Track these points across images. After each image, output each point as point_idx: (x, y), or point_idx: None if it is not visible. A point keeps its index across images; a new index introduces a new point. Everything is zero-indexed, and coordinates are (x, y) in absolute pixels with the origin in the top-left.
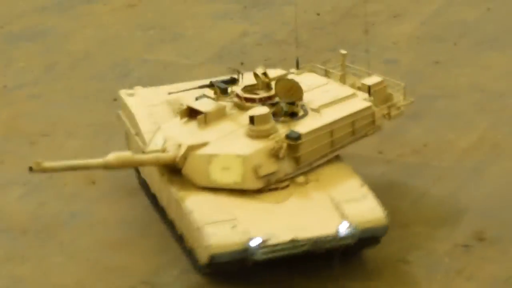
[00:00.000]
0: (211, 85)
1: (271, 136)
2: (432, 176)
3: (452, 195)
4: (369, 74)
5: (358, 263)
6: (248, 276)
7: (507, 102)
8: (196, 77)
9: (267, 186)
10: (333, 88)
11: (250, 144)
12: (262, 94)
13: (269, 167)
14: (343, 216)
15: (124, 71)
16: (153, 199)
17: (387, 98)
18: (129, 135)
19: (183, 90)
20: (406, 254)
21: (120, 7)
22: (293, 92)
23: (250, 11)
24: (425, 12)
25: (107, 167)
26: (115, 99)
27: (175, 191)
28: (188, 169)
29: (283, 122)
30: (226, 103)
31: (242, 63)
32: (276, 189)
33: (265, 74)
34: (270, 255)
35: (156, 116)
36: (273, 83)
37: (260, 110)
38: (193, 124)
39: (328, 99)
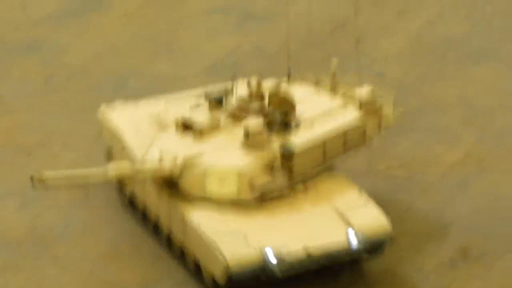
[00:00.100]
0: (205, 96)
1: (265, 148)
2: (418, 190)
3: (437, 209)
4: (359, 84)
5: (348, 277)
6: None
7: (494, 116)
8: (191, 88)
9: (262, 197)
10: (325, 99)
11: (245, 156)
12: (256, 105)
13: (263, 178)
14: (350, 226)
15: (120, 82)
16: (143, 215)
17: (378, 109)
18: (112, 151)
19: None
20: (394, 268)
21: (116, 20)
22: (286, 103)
23: (243, 24)
24: (413, 26)
25: (106, 177)
26: None
27: (180, 206)
28: (185, 181)
29: (276, 132)
30: (220, 114)
31: (234, 75)
32: (277, 198)
33: (258, 85)
34: (287, 271)
35: (142, 131)
36: (266, 94)
37: (254, 121)
38: (188, 136)
39: (320, 110)
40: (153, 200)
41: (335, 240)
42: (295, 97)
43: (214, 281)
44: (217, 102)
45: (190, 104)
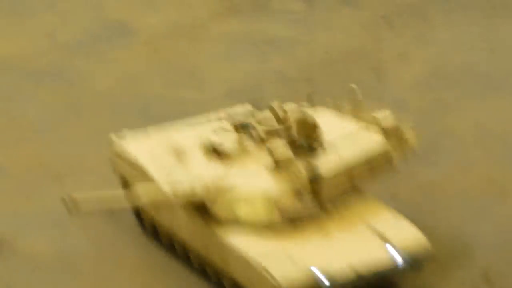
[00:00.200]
0: (229, 119)
1: (292, 172)
2: (439, 215)
3: (457, 234)
4: (380, 109)
5: None
6: None
7: None
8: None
9: (291, 221)
10: (348, 123)
11: (273, 180)
12: (281, 129)
13: (292, 202)
14: (389, 243)
15: (144, 107)
16: (170, 243)
17: (400, 133)
18: (128, 180)
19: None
20: None
21: (140, 47)
22: (311, 127)
23: (263, 51)
24: (432, 54)
25: (136, 202)
26: None
27: (217, 231)
28: (214, 205)
29: (302, 156)
30: (246, 138)
31: (255, 100)
32: (311, 220)
33: (283, 109)
34: None
35: (159, 158)
36: (291, 119)
37: (280, 145)
38: (215, 161)
39: (344, 134)
40: (183, 225)
41: (379, 257)
42: (319, 122)
43: None
44: (242, 127)
45: (205, 129)
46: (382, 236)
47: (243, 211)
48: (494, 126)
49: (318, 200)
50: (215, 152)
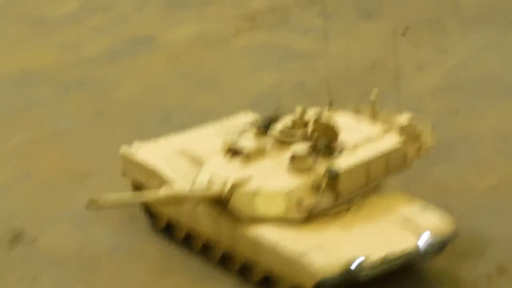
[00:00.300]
0: (253, 124)
1: (311, 171)
2: (454, 216)
3: (473, 232)
4: (399, 113)
5: None
6: None
7: None
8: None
9: (309, 217)
10: (366, 126)
11: (292, 178)
12: (300, 131)
13: (310, 200)
14: (420, 229)
15: (166, 117)
16: (185, 239)
17: (417, 135)
18: (143, 186)
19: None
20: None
21: (164, 59)
22: (330, 129)
23: (283, 63)
24: (448, 65)
25: (159, 201)
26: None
27: (247, 228)
28: (234, 204)
29: (321, 157)
30: (266, 140)
31: (279, 106)
32: (339, 212)
33: (302, 112)
34: (370, 274)
35: (175, 164)
36: (310, 121)
37: (300, 147)
38: (236, 161)
39: (362, 136)
40: (205, 222)
41: (409, 243)
42: (338, 124)
43: None
44: (263, 129)
45: (213, 134)
46: (412, 224)
47: (262, 207)
48: (509, 131)
49: (335, 197)
50: (236, 152)
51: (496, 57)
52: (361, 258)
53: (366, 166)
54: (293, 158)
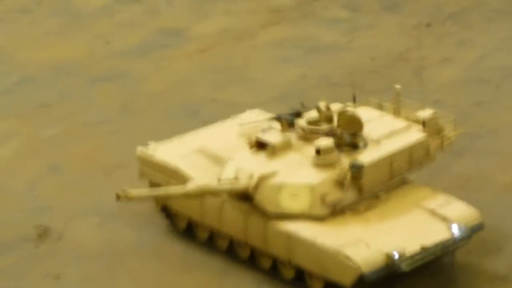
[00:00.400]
0: (278, 118)
1: (336, 166)
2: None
3: (493, 226)
4: (421, 108)
5: None
6: None
7: None
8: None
9: (333, 213)
10: (389, 121)
11: (317, 173)
12: (325, 126)
13: (334, 195)
14: (448, 220)
15: (194, 110)
16: (209, 237)
17: (439, 130)
18: (162, 184)
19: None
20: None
21: (192, 52)
22: (354, 124)
23: (309, 56)
24: (470, 57)
25: (187, 195)
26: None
27: (282, 226)
28: (260, 198)
29: (345, 152)
30: (292, 135)
31: (301, 103)
32: (365, 207)
33: (327, 107)
34: (410, 266)
35: (192, 161)
36: (335, 117)
37: (325, 141)
38: (262, 155)
39: (386, 131)
40: (233, 223)
41: (440, 233)
42: (363, 120)
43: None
44: (288, 124)
45: (228, 131)
46: (440, 215)
47: (287, 202)
48: None
49: (359, 192)
50: (261, 146)
51: None
52: (401, 251)
53: (390, 161)
54: (318, 153)
